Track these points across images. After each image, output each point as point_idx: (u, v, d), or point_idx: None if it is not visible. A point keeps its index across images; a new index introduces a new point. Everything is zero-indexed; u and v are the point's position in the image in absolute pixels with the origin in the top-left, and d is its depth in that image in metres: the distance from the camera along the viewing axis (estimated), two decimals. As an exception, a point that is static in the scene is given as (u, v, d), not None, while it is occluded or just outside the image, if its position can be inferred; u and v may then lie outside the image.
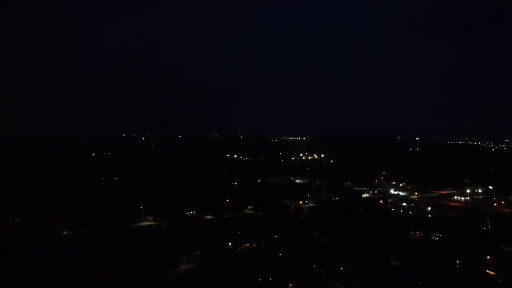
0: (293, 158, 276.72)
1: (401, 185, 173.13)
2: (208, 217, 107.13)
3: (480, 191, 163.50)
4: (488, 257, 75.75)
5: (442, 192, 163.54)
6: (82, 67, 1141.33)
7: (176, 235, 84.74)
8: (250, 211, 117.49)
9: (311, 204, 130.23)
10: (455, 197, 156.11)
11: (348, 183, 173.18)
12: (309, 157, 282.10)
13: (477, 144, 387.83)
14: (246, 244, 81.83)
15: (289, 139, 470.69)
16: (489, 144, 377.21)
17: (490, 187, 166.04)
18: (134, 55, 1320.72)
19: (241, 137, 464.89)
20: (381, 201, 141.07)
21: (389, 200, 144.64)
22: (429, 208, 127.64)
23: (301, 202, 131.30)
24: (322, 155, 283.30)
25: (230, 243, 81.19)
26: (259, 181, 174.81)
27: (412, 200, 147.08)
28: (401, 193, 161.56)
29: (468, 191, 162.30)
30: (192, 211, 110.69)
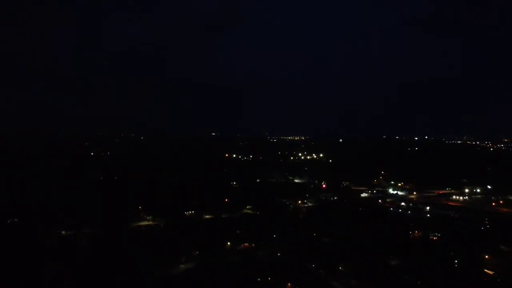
0: (292, 158, 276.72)
1: (399, 184, 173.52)
2: (207, 216, 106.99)
3: (478, 190, 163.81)
4: (487, 256, 75.92)
5: (441, 192, 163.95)
6: (81, 66, 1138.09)
7: (175, 234, 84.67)
8: (249, 211, 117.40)
9: (310, 204, 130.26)
10: (454, 197, 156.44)
11: (347, 183, 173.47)
12: (308, 157, 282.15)
13: (476, 143, 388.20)
14: (245, 244, 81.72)
15: (288, 138, 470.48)
16: (488, 143, 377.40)
17: (489, 187, 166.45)
18: (133, 55, 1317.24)
19: (240, 136, 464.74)
20: (380, 201, 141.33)
21: (388, 200, 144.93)
22: (428, 208, 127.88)
23: (300, 201, 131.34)
24: (321, 155, 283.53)
25: (229, 243, 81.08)
26: (258, 180, 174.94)
27: (411, 200, 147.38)
28: (399, 193, 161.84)
29: (466, 190, 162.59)
30: (191, 211, 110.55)
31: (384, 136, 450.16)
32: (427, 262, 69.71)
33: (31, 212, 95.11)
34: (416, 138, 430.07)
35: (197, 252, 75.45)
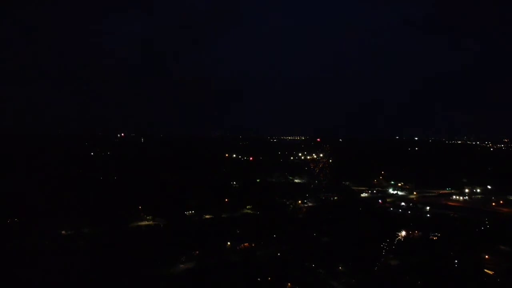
0: (292, 158, 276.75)
1: (399, 184, 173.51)
2: (207, 216, 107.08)
3: (478, 190, 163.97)
4: (487, 256, 75.97)
5: (441, 192, 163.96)
6: (80, 66, 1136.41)
7: (174, 234, 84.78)
8: (249, 211, 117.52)
9: (309, 204, 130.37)
10: (454, 197, 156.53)
11: (347, 183, 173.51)
12: (308, 157, 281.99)
13: (476, 143, 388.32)
14: (245, 244, 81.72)
15: (288, 138, 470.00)
16: (488, 143, 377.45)
17: (489, 187, 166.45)
18: (133, 54, 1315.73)
19: (240, 136, 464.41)
20: (379, 201, 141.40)
21: (387, 200, 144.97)
22: (428, 208, 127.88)
23: (299, 201, 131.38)
24: (321, 155, 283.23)
25: (229, 243, 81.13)
26: (258, 180, 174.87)
27: (411, 200, 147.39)
28: (399, 193, 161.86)
29: (466, 190, 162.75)
30: (191, 211, 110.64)
31: (384, 136, 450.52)
32: (426, 262, 69.70)
33: (31, 212, 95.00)
34: (416, 138, 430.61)
35: (197, 252, 75.48)
